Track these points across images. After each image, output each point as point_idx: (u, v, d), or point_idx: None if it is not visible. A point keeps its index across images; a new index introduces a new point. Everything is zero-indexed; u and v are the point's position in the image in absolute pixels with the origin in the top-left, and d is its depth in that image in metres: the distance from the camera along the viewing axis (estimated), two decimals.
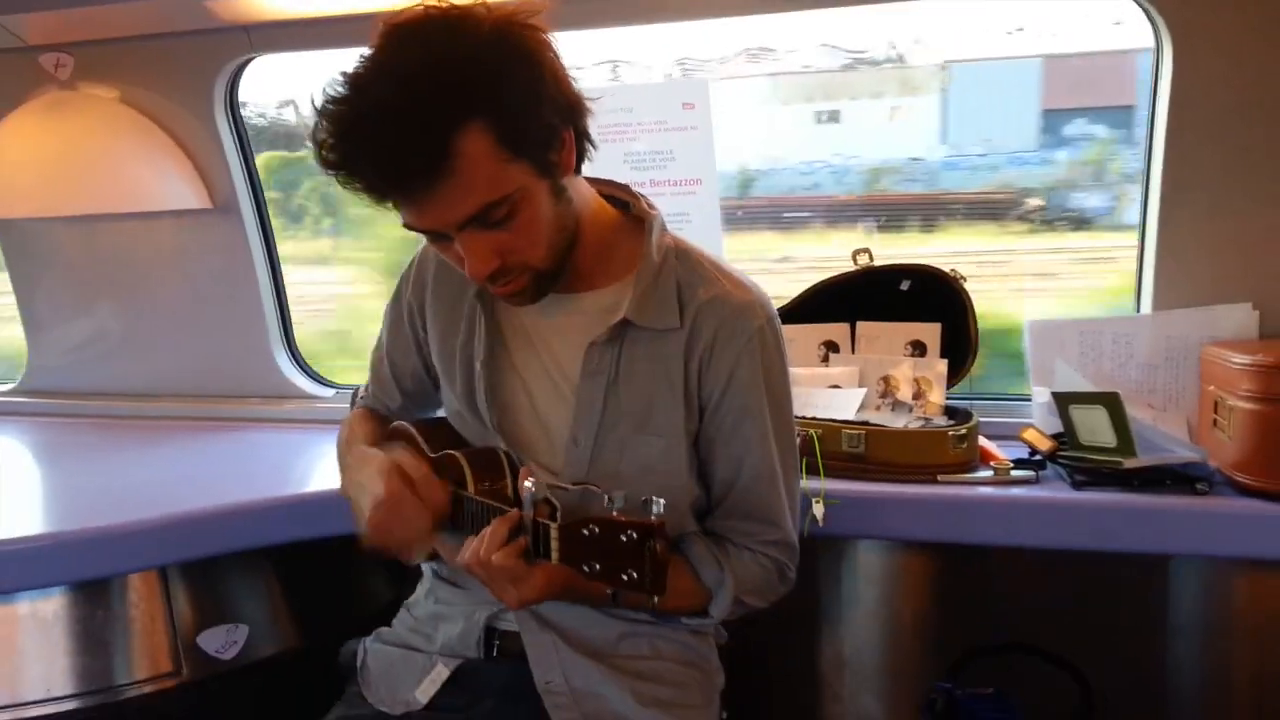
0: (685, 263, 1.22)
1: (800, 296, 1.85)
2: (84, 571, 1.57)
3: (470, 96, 0.98)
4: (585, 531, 0.96)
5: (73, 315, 2.34)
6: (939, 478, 1.54)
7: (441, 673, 1.25)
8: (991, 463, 1.56)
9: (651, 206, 1.26)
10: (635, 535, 0.93)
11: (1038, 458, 1.56)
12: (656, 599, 0.94)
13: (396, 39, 0.99)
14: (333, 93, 1.00)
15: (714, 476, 1.23)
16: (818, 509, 1.50)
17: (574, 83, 1.10)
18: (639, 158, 1.90)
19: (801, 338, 1.83)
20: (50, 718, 1.54)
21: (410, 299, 1.34)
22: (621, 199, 1.27)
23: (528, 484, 1.03)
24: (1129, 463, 1.45)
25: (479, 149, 0.99)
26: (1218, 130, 1.60)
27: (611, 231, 1.23)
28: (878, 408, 1.74)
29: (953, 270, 1.75)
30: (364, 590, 1.84)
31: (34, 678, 1.56)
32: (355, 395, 1.50)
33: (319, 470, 1.81)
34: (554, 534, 0.99)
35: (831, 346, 1.83)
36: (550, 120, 1.05)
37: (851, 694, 1.80)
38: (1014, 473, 1.53)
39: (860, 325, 1.82)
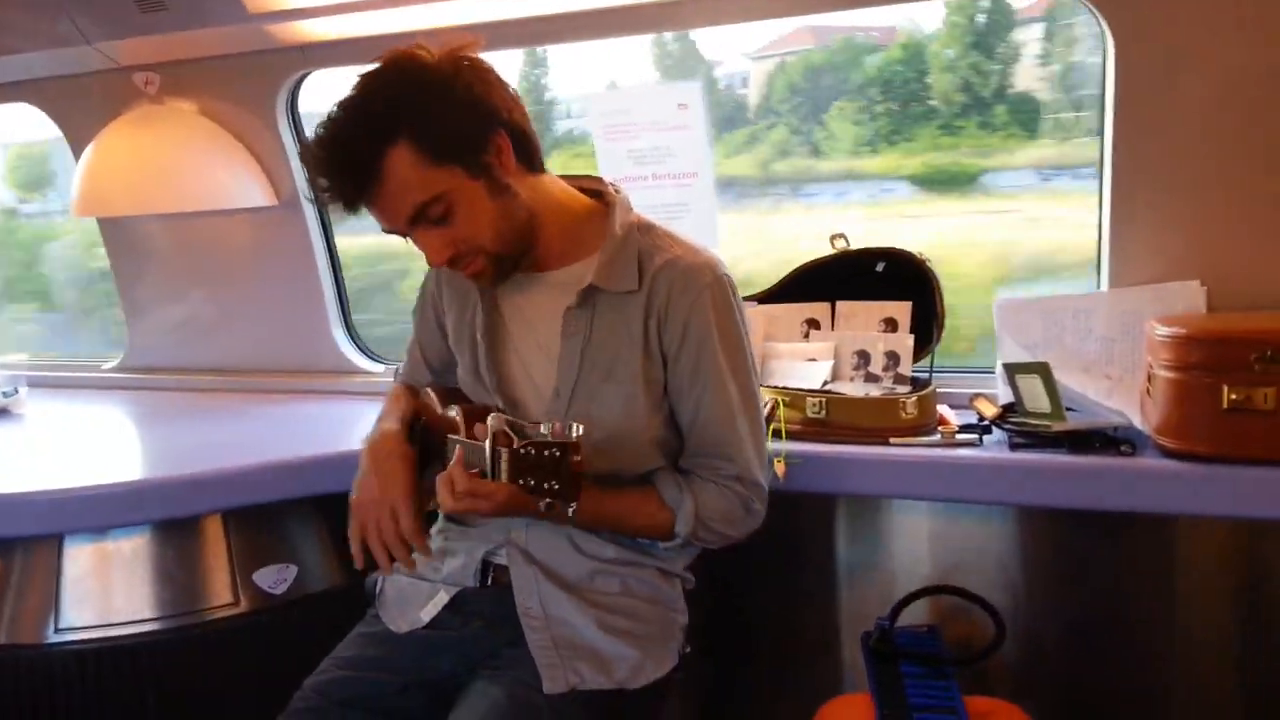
0: (646, 235, 1.43)
1: (785, 279, 2.02)
2: (160, 513, 1.86)
3: (391, 122, 1.24)
4: (523, 451, 1.17)
5: (165, 301, 2.67)
6: (891, 440, 1.70)
7: (442, 598, 1.48)
8: (940, 427, 1.71)
9: (618, 191, 1.47)
10: (556, 452, 1.15)
11: (984, 423, 1.71)
12: (574, 504, 1.16)
13: (358, 81, 1.28)
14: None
15: (681, 419, 1.43)
16: (779, 467, 1.68)
17: (504, 93, 1.33)
18: (641, 154, 2.10)
19: (786, 316, 2.00)
20: (131, 638, 1.83)
21: (432, 291, 1.59)
22: (596, 189, 1.49)
23: (489, 419, 1.26)
24: (1057, 426, 1.58)
25: (404, 161, 1.25)
26: (1163, 119, 1.70)
27: (583, 216, 1.45)
28: (852, 379, 1.91)
29: (920, 253, 1.90)
30: None
31: (119, 604, 1.86)
32: (396, 372, 1.75)
33: (362, 431, 2.06)
34: (504, 457, 1.20)
35: (813, 324, 1.99)
36: (471, 130, 1.28)
37: (808, 630, 1.99)
38: (959, 436, 1.68)
39: (839, 304, 1.98)
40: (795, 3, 1.95)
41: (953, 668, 1.45)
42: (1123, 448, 1.55)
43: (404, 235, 1.33)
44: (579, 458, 1.15)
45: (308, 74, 2.29)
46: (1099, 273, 1.87)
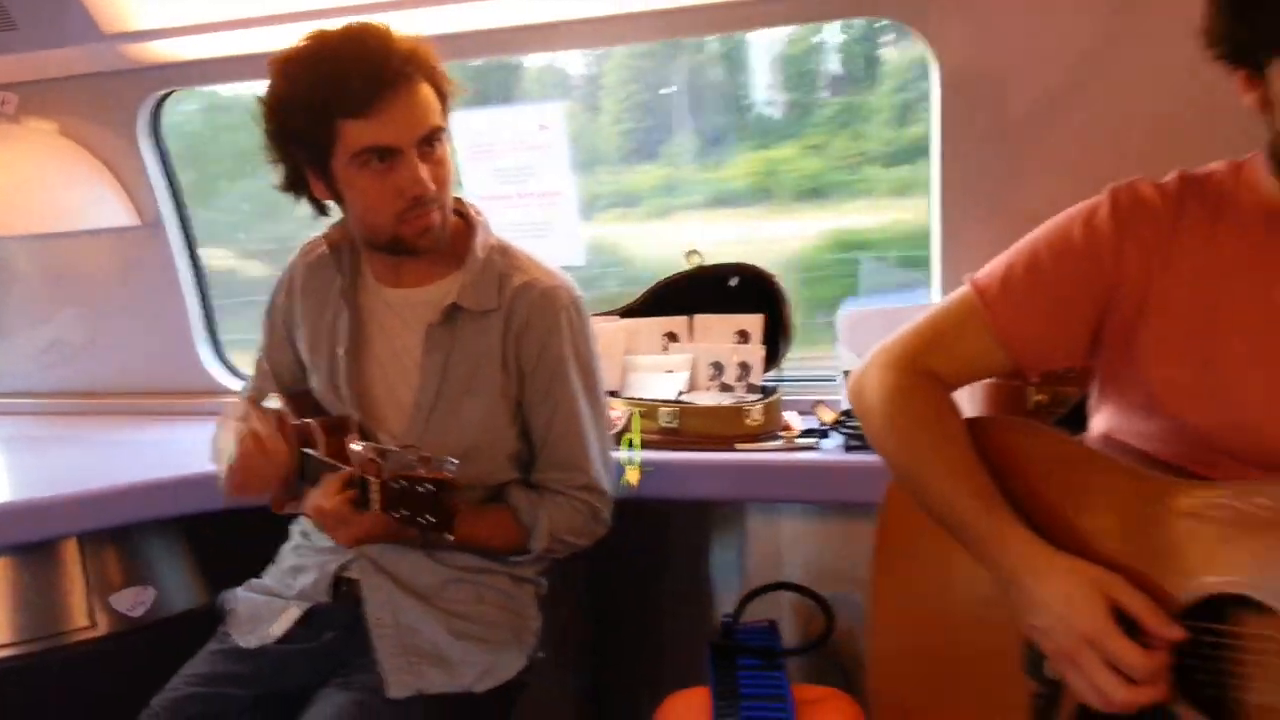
0: (506, 257, 1.49)
1: (644, 294, 2.10)
2: (12, 537, 1.84)
3: (417, 64, 1.34)
4: (395, 485, 1.22)
5: (29, 324, 2.61)
6: (737, 446, 1.78)
7: (294, 613, 1.50)
8: (783, 433, 1.80)
9: (479, 214, 1.52)
10: (431, 487, 1.20)
11: (823, 428, 1.80)
12: (452, 536, 1.21)
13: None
14: None
15: (534, 433, 1.48)
16: (632, 475, 1.75)
17: None
18: (505, 173, 2.15)
19: (646, 330, 2.07)
20: None
21: (281, 304, 1.60)
22: (458, 211, 1.52)
23: (355, 447, 1.29)
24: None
25: (426, 89, 1.35)
26: (987, 138, 1.82)
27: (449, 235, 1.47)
28: (708, 388, 1.99)
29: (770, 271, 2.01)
30: (262, 554, 2.09)
31: None
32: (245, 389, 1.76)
33: None
34: (373, 488, 1.24)
35: (672, 337, 2.07)
36: (449, 108, 1.40)
37: (663, 630, 2.07)
38: (799, 440, 1.78)
39: (696, 318, 2.06)
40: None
41: (784, 659, 1.53)
42: None
43: (391, 152, 1.33)
44: (453, 495, 1.20)
45: (171, 93, 2.28)
46: (930, 285, 1.99)
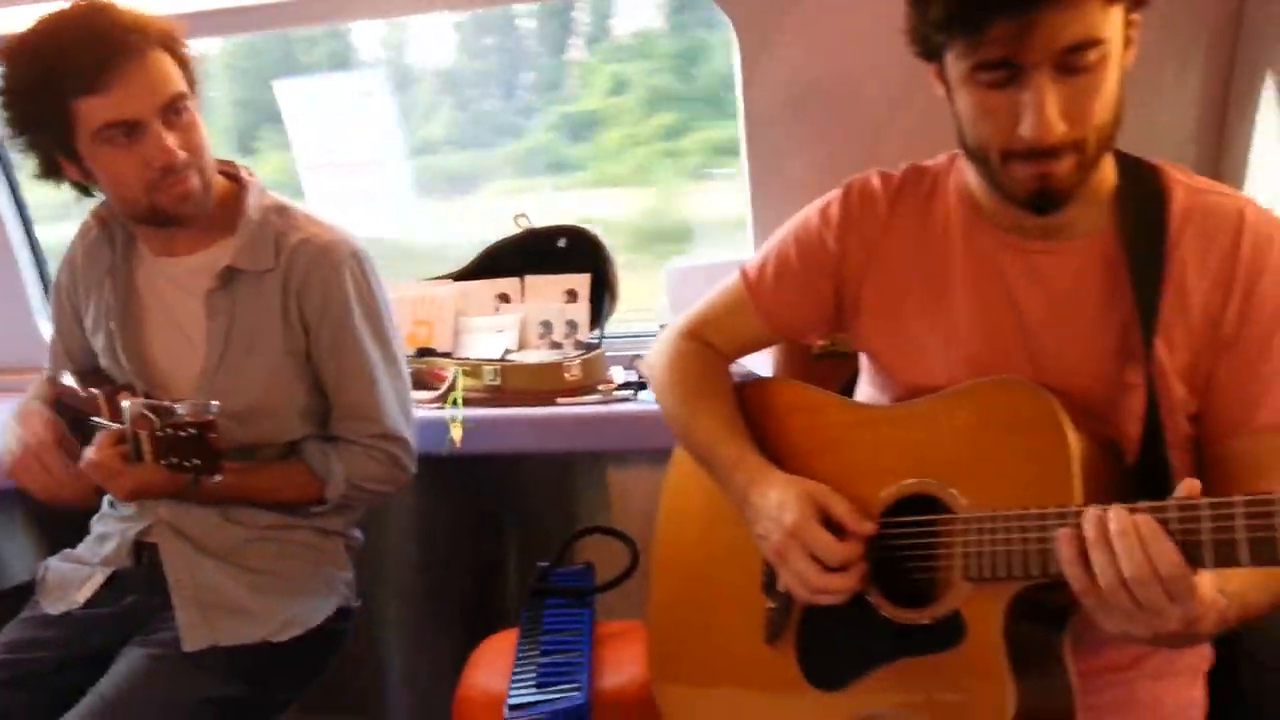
0: (282, 216, 1.51)
1: (477, 257, 2.14)
2: None
3: (148, 33, 1.34)
4: (160, 434, 1.26)
5: None
6: (557, 400, 1.85)
7: (99, 578, 1.52)
8: (601, 387, 1.87)
9: (251, 175, 1.54)
10: (194, 430, 1.24)
11: (639, 381, 1.87)
12: (219, 476, 1.26)
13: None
14: None
15: (326, 386, 1.52)
16: (455, 432, 1.80)
17: None
18: (331, 141, 2.17)
19: (478, 292, 2.12)
20: None
21: (65, 284, 1.61)
22: (230, 173, 1.54)
23: (125, 403, 1.32)
24: None
25: (164, 59, 1.35)
26: (789, 106, 1.89)
27: (219, 198, 1.49)
28: (537, 346, 2.05)
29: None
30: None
31: None
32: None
33: None
34: (144, 440, 1.28)
35: (504, 298, 2.12)
36: (194, 73, 1.41)
37: (493, 578, 2.14)
38: (616, 393, 1.84)
39: (527, 279, 2.11)
40: None
41: (592, 598, 1.60)
42: None
43: (135, 126, 1.33)
44: (215, 434, 1.24)
45: None
46: (750, 241, 2.06)
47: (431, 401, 1.89)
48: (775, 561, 1.12)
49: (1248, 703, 1.43)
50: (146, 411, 1.30)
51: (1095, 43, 0.95)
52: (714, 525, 1.27)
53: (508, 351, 1.99)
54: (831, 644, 1.13)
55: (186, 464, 1.26)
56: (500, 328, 2.06)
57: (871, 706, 1.08)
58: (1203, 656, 1.18)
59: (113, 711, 1.32)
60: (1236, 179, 1.68)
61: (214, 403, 1.28)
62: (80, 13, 1.31)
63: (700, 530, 1.30)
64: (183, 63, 1.38)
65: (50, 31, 1.31)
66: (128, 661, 1.39)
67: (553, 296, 2.09)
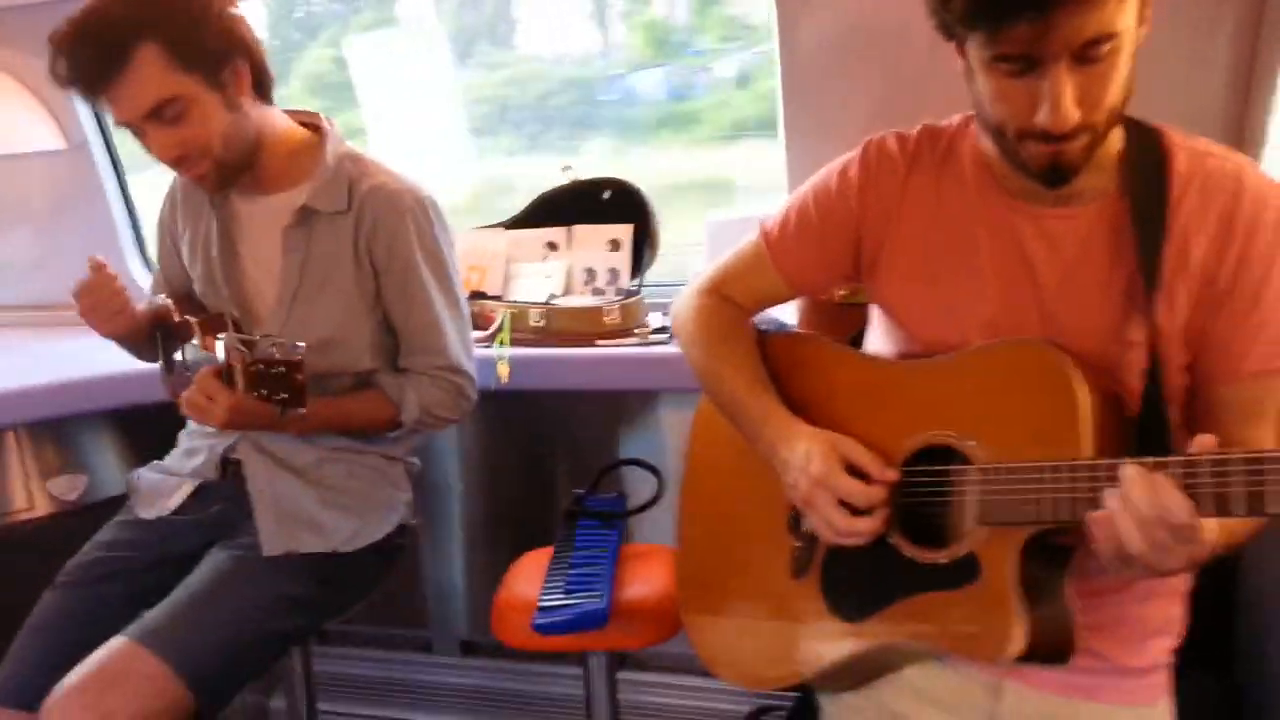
0: (357, 164, 1.67)
1: (527, 207, 2.29)
2: None
3: (149, 18, 1.43)
4: (253, 369, 1.43)
5: None
6: (596, 342, 2.00)
7: (188, 488, 1.72)
8: (637, 330, 2.02)
9: (332, 125, 1.70)
10: (283, 369, 1.41)
11: None
12: (304, 409, 1.42)
13: None
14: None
15: (395, 323, 1.68)
16: (502, 369, 1.97)
17: (248, 31, 1.55)
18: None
19: (529, 239, 2.27)
20: None
21: (167, 218, 1.80)
22: (314, 124, 1.71)
23: (220, 338, 1.50)
24: None
25: (151, 57, 1.44)
26: (824, 63, 1.97)
27: (300, 146, 1.67)
28: (582, 292, 2.19)
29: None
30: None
31: None
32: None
33: None
34: (237, 373, 1.45)
35: (552, 246, 2.27)
36: (216, 48, 1.50)
37: (538, 504, 2.34)
38: (652, 337, 1.99)
39: (574, 229, 2.25)
40: None
41: (621, 521, 1.76)
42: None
43: (136, 130, 1.51)
44: (301, 374, 1.41)
45: None
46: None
47: (482, 341, 2.06)
48: (804, 508, 1.20)
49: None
50: (239, 345, 1.48)
51: (1112, 36, 0.98)
52: (739, 470, 1.34)
53: (553, 296, 2.14)
54: (855, 579, 1.21)
55: (275, 397, 1.42)
56: (548, 274, 2.21)
57: (891, 636, 1.16)
58: (1183, 579, 1.26)
59: (202, 601, 1.52)
60: (1257, 144, 1.74)
61: (300, 343, 1.43)
62: (83, 12, 1.43)
63: (726, 475, 1.39)
64: (187, 47, 1.46)
65: (61, 37, 1.43)
66: (213, 562, 1.60)
67: (597, 245, 2.22)
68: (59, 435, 2.17)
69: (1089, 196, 1.15)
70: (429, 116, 2.32)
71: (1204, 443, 0.95)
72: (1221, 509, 0.93)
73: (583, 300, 2.12)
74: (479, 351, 2.01)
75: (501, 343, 2.02)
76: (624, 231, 2.19)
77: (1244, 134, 1.78)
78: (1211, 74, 1.78)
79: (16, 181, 2.68)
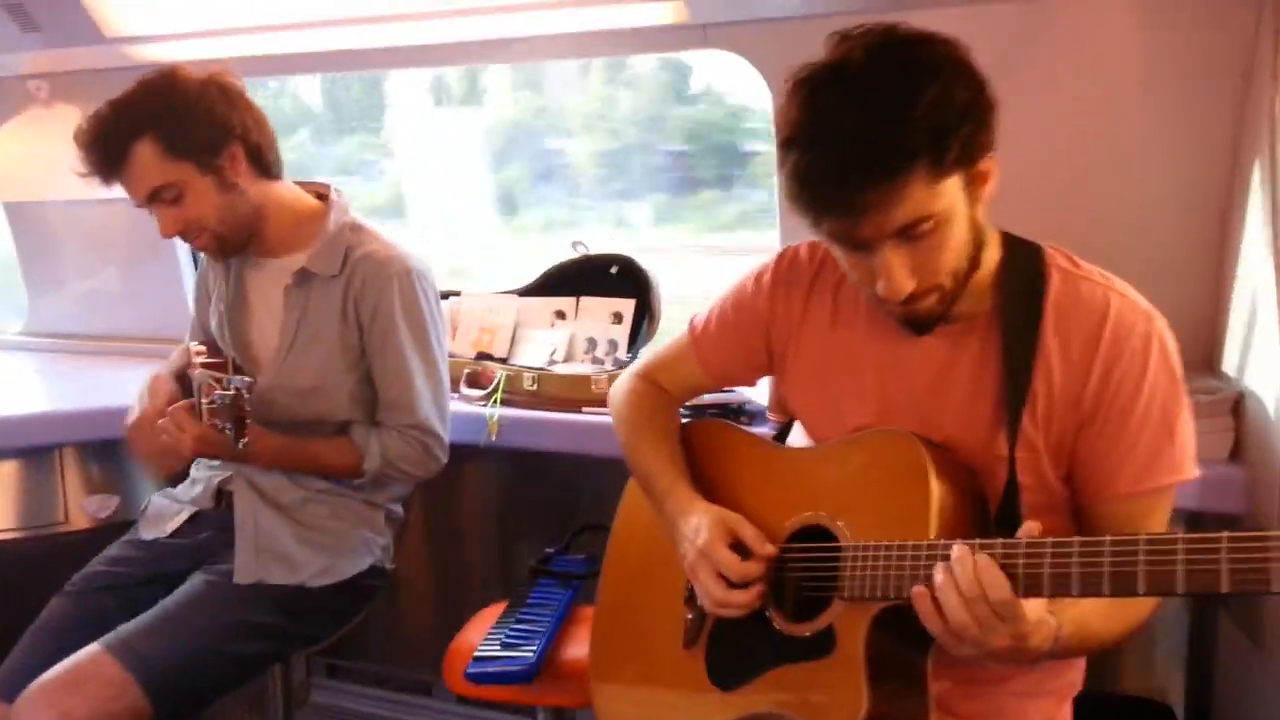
0: (356, 233, 1.83)
1: (539, 277, 2.43)
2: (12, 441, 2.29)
3: (142, 120, 1.65)
4: (211, 404, 1.60)
5: (64, 276, 3.09)
6: (583, 409, 2.10)
7: (184, 515, 1.89)
8: None
9: (339, 194, 1.87)
10: (228, 399, 1.58)
11: None
12: (245, 438, 1.60)
13: (134, 84, 1.71)
14: None
15: (374, 379, 1.82)
16: (491, 427, 2.09)
17: (246, 113, 1.74)
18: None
19: (538, 307, 2.40)
20: None
21: (201, 270, 2.01)
22: (325, 194, 1.89)
23: (194, 373, 1.67)
24: (698, 401, 1.97)
25: (147, 152, 1.66)
26: None
27: (306, 215, 1.85)
28: (583, 360, 2.30)
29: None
30: None
31: None
32: None
33: None
34: (203, 406, 1.62)
35: (560, 315, 2.39)
36: (206, 137, 1.69)
37: (514, 559, 2.43)
38: None
39: (582, 299, 2.37)
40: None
41: (579, 581, 1.84)
42: (742, 417, 1.94)
43: (147, 209, 1.73)
44: (242, 404, 1.58)
45: None
46: None
47: (479, 399, 2.18)
48: (690, 577, 1.29)
49: None
50: (210, 380, 1.65)
51: (927, 218, 1.05)
52: (652, 543, 1.43)
53: (552, 362, 2.25)
54: (734, 651, 1.29)
55: (225, 428, 1.59)
56: (553, 341, 2.33)
57: (758, 706, 1.24)
58: (1071, 683, 1.30)
59: (171, 619, 1.67)
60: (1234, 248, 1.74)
61: (246, 378, 1.62)
62: (93, 117, 1.68)
63: (642, 546, 1.48)
64: (178, 140, 1.66)
65: (79, 138, 1.68)
66: (191, 584, 1.74)
67: (601, 316, 2.34)
68: (100, 457, 2.37)
69: (964, 318, 1.21)
70: None
71: (1029, 529, 1.01)
72: (1033, 589, 0.99)
73: (574, 368, 2.22)
74: (475, 408, 2.14)
75: (496, 402, 2.14)
76: (627, 306, 2.30)
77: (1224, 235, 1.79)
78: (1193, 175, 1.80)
79: (110, 224, 2.96)
